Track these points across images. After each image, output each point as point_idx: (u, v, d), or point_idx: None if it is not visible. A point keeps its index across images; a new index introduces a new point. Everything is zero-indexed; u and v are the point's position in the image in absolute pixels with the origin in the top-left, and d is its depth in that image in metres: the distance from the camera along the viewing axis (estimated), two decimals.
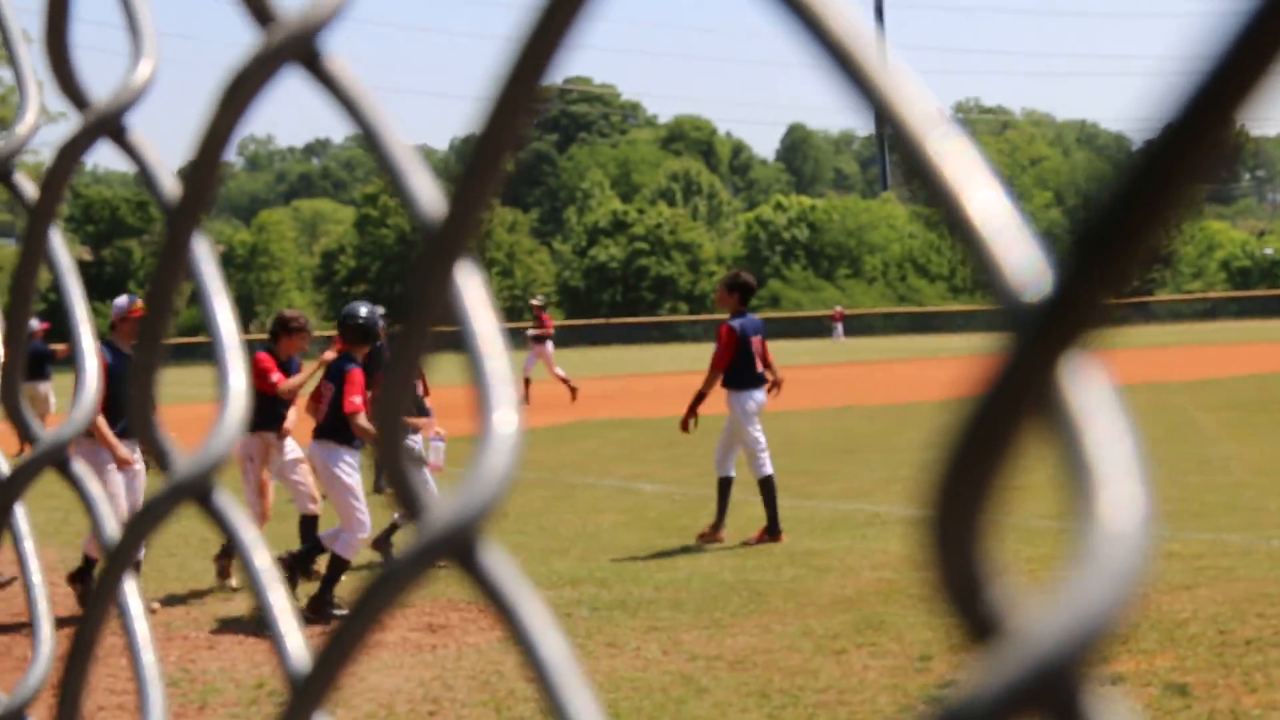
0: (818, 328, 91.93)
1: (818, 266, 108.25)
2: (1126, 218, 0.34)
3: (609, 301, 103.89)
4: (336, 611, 10.83)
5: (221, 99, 0.77)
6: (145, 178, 0.93)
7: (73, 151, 0.96)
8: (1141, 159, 0.34)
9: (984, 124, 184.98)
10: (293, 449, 12.54)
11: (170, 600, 11.60)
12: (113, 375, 10.51)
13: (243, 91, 0.76)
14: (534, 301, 36.01)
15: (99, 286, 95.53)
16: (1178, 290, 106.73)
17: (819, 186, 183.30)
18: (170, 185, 0.91)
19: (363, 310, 12.03)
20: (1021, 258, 0.38)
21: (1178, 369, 38.42)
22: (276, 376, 12.34)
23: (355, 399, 11.35)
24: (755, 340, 14.16)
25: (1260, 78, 0.33)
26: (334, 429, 11.56)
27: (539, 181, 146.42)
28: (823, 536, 13.53)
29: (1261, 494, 15.14)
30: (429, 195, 0.66)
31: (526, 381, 33.12)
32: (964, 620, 0.36)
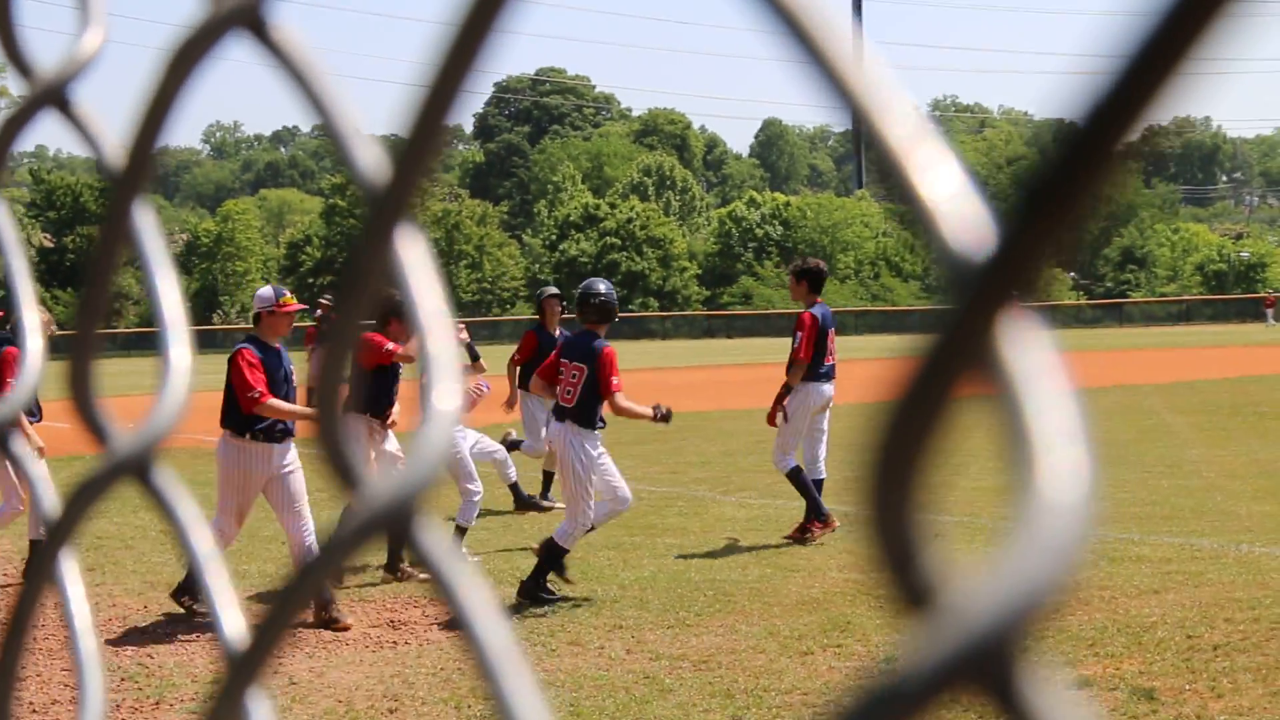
0: (788, 325, 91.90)
1: (790, 263, 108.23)
2: (1061, 182, 0.33)
3: (578, 299, 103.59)
4: (548, 595, 10.81)
5: (167, 65, 0.76)
6: (90, 148, 0.91)
7: (17, 121, 0.95)
8: (1074, 129, 0.33)
9: (961, 122, 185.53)
10: (393, 443, 12.20)
11: (127, 593, 11.54)
12: (266, 371, 10.60)
13: (188, 57, 0.75)
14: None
15: (60, 274, 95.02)
16: (1152, 293, 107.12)
17: (793, 183, 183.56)
18: (115, 156, 0.89)
19: (602, 286, 11.83)
20: (963, 217, 0.37)
21: (1151, 371, 38.57)
22: (391, 345, 11.96)
23: (615, 379, 11.12)
24: (830, 332, 13.62)
25: (1176, 64, 0.32)
26: (582, 412, 11.20)
27: (510, 174, 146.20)
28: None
29: (1232, 498, 15.19)
30: (373, 162, 0.64)
31: None
32: (898, 591, 0.35)
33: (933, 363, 0.34)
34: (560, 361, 11.54)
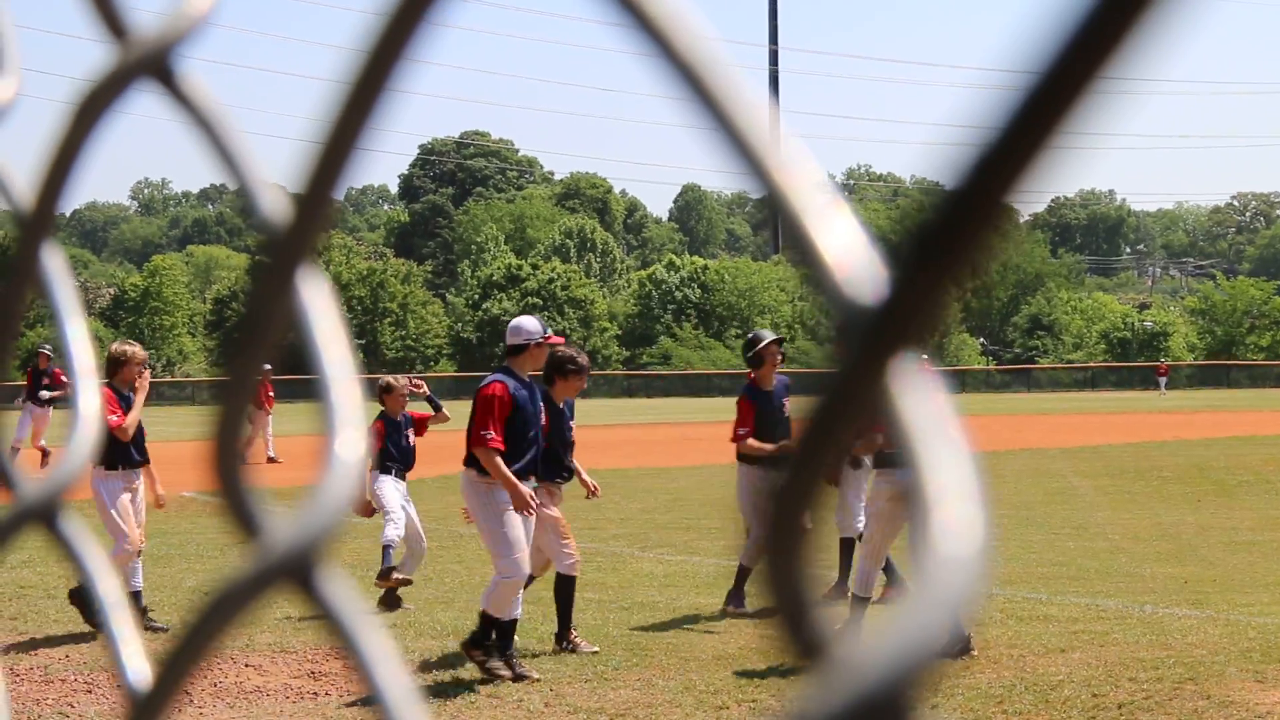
0: (707, 386, 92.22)
1: (709, 326, 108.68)
2: (950, 233, 0.33)
3: (501, 354, 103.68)
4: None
5: (75, 112, 0.75)
6: (1, 194, 0.91)
7: None
8: (964, 179, 0.34)
9: (874, 190, 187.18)
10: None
11: (50, 642, 11.36)
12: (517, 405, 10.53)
13: (96, 105, 0.74)
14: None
15: None
16: (1059, 359, 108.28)
17: (711, 247, 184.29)
18: (25, 202, 0.89)
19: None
20: (857, 268, 0.37)
21: (1058, 436, 38.93)
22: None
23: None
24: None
25: (1057, 120, 0.33)
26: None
27: (434, 234, 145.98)
28: (707, 593, 13.52)
29: (1136, 560, 15.37)
30: (274, 207, 0.64)
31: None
32: (793, 643, 0.35)
33: (825, 413, 0.34)
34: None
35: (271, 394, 33.83)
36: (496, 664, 10.02)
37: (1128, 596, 12.91)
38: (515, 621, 10.31)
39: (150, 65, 0.72)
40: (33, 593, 13.52)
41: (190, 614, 0.59)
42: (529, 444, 10.59)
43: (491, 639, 10.20)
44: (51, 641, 11.40)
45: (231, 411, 0.60)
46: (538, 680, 9.89)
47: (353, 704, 9.30)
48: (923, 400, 0.35)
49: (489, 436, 10.31)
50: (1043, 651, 10.43)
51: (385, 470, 13.56)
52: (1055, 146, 0.34)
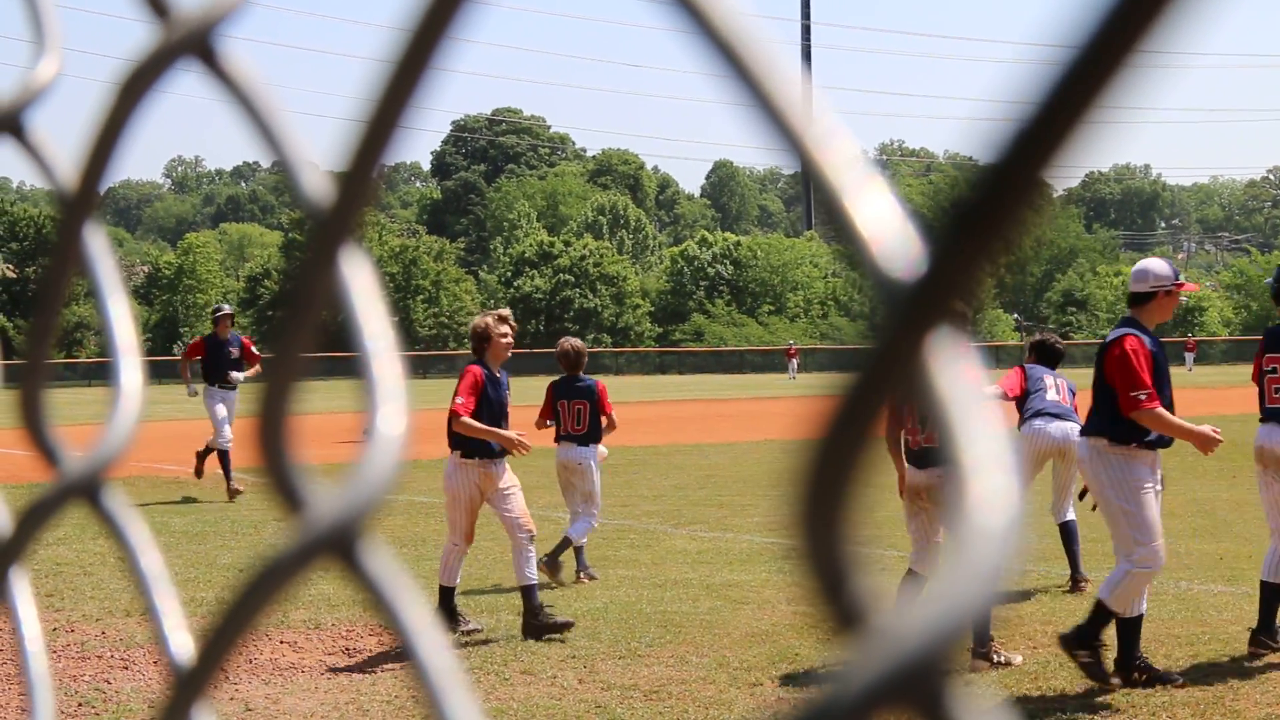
0: (739, 362, 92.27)
1: (741, 302, 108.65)
2: (988, 207, 0.34)
3: (533, 332, 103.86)
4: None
5: (118, 91, 0.76)
6: (44, 173, 0.92)
7: None
8: (1001, 156, 0.34)
9: (907, 165, 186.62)
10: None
11: (86, 619, 11.44)
12: None
13: (139, 84, 0.75)
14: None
15: (22, 304, 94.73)
16: (1094, 335, 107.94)
17: (744, 224, 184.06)
18: (68, 181, 0.90)
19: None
20: (894, 241, 0.38)
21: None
22: None
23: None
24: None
25: (1095, 96, 0.34)
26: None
27: (467, 211, 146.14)
28: (740, 569, 13.54)
29: (1171, 536, 15.24)
30: (317, 186, 0.65)
31: None
32: (830, 613, 0.36)
33: (863, 386, 0.35)
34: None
35: None
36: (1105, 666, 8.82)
37: (1163, 573, 12.83)
38: (1139, 620, 9.08)
39: (193, 44, 0.73)
40: (69, 570, 13.62)
41: (234, 587, 0.60)
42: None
43: (1100, 637, 8.90)
44: (88, 619, 11.48)
45: (277, 387, 0.61)
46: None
47: (391, 674, 9.36)
48: (958, 375, 0.36)
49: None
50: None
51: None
52: (1092, 121, 0.35)
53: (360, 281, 0.61)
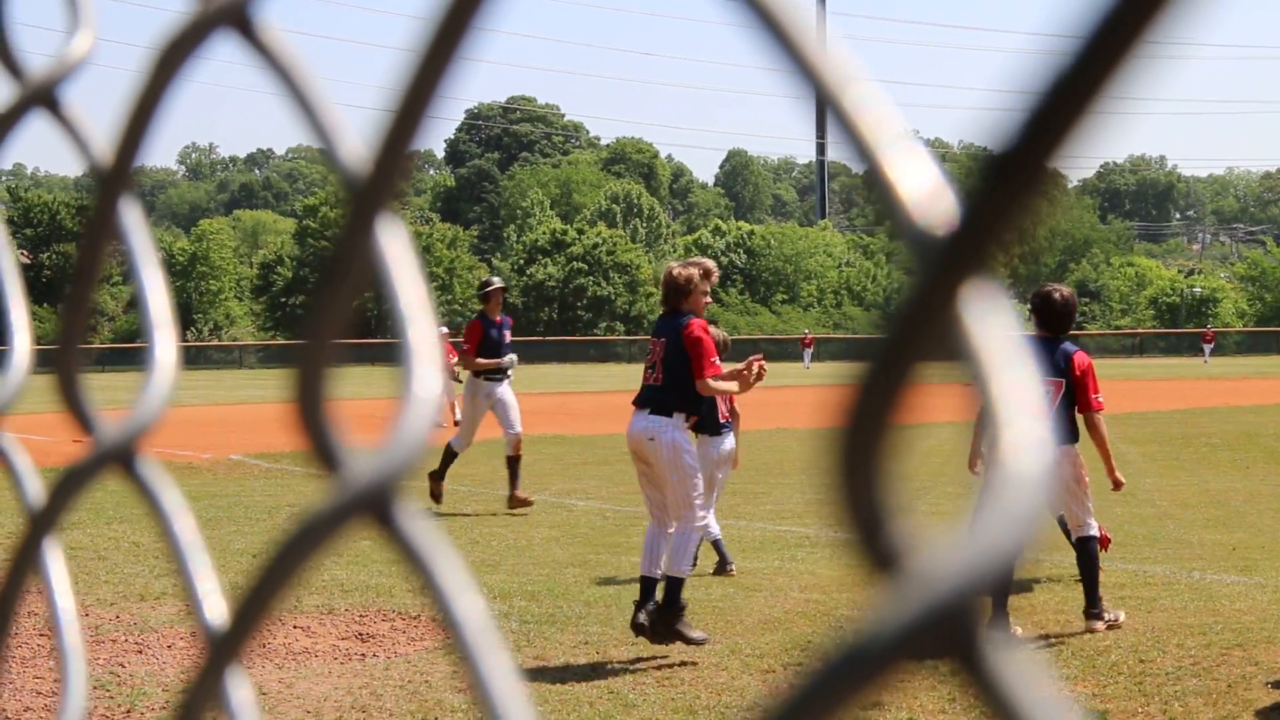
0: (753, 351, 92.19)
1: (754, 291, 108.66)
2: (1020, 163, 0.35)
3: (546, 320, 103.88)
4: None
5: (154, 63, 0.77)
6: (78, 148, 0.93)
7: (7, 120, 0.96)
8: (1028, 119, 0.35)
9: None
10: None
11: (100, 604, 11.48)
12: None
13: (175, 56, 0.76)
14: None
15: (37, 290, 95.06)
16: (1108, 326, 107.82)
17: (757, 213, 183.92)
18: (103, 156, 0.91)
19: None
20: (927, 195, 0.39)
21: (1106, 402, 38.71)
22: None
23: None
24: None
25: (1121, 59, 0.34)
26: None
27: (480, 199, 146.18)
28: (752, 556, 13.55)
29: (1184, 526, 15.31)
30: (355, 157, 0.66)
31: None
32: (867, 555, 0.37)
33: (899, 334, 0.36)
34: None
35: (454, 359, 32.00)
36: None
37: (1175, 563, 12.88)
38: None
39: (230, 15, 0.74)
40: (83, 554, 13.66)
41: (269, 549, 0.61)
42: None
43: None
44: (102, 603, 11.52)
45: (313, 353, 0.62)
46: None
47: (404, 659, 9.39)
48: (993, 325, 0.37)
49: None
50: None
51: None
52: (1124, 75, 0.35)
53: (396, 249, 0.62)
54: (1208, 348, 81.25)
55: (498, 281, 17.89)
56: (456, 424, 31.44)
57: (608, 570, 12.95)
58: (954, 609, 0.35)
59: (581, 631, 10.30)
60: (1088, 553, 10.39)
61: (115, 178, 0.84)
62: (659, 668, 9.27)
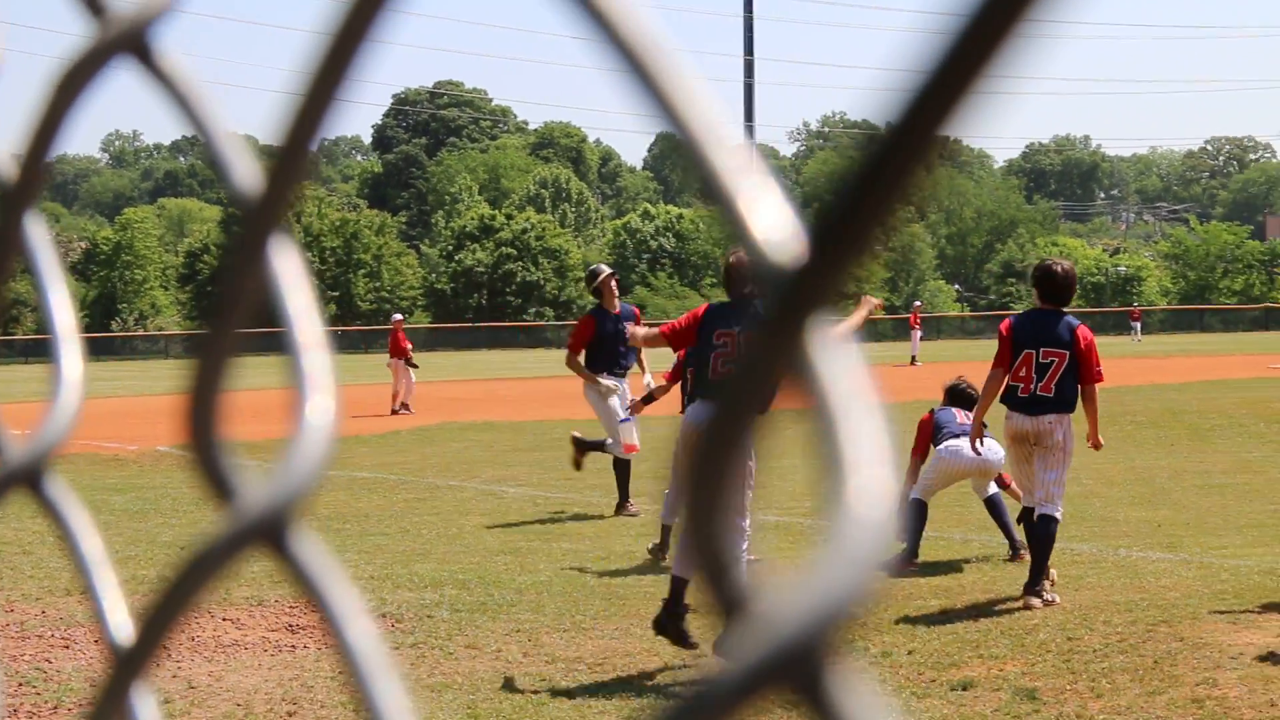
0: None
1: (683, 275, 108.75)
2: (866, 192, 0.36)
3: (475, 305, 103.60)
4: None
5: (54, 89, 0.78)
6: None
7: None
8: (878, 141, 0.37)
9: (849, 138, 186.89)
10: None
11: (25, 599, 11.38)
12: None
13: (75, 82, 0.77)
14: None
15: None
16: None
17: (686, 196, 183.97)
18: (7, 168, 0.91)
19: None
20: (774, 224, 0.41)
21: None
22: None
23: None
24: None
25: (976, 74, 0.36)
26: None
27: (408, 185, 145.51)
28: None
29: (1110, 504, 15.49)
30: (248, 177, 0.67)
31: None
32: (714, 599, 0.38)
33: (746, 376, 0.37)
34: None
35: (410, 346, 32.40)
36: None
37: (1102, 541, 13.03)
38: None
39: (128, 42, 0.75)
40: (8, 549, 13.54)
41: (168, 573, 0.62)
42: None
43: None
44: (27, 598, 11.42)
45: (207, 374, 0.63)
46: None
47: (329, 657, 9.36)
48: (839, 363, 0.39)
49: None
50: (1018, 596, 10.53)
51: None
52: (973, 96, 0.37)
53: (289, 273, 0.63)
54: (1137, 325, 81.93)
55: (606, 269, 15.82)
56: (404, 407, 31.37)
57: (539, 557, 12.97)
58: (800, 651, 0.37)
59: (513, 619, 10.31)
60: (1047, 533, 10.57)
61: (20, 194, 0.85)
62: (591, 654, 9.30)
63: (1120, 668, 8.56)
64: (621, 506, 15.68)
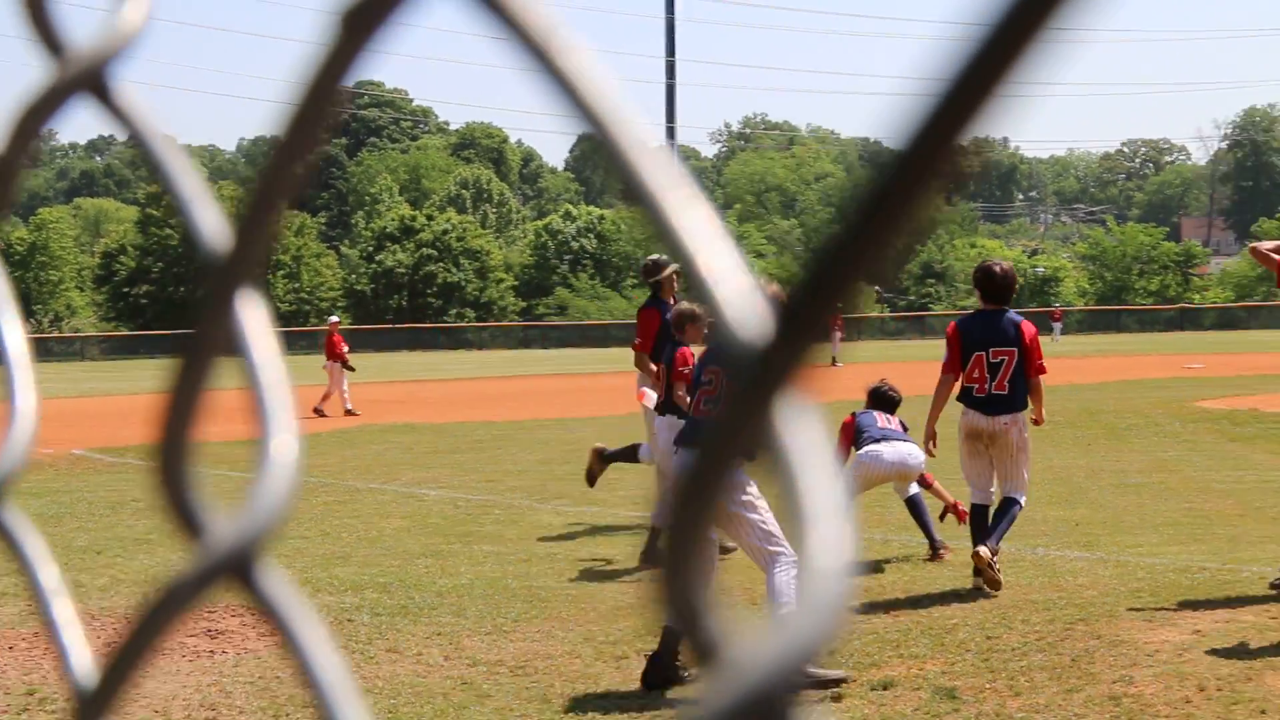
0: (603, 336, 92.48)
1: (605, 276, 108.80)
2: (832, 272, 0.39)
3: (395, 307, 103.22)
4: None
5: (13, 129, 0.79)
6: None
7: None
8: (850, 213, 0.39)
9: (770, 139, 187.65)
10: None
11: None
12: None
13: (34, 122, 0.78)
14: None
15: None
16: (953, 306, 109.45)
17: (608, 197, 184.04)
18: None
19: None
20: (742, 303, 0.43)
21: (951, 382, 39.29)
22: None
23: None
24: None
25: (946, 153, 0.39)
26: None
27: (328, 185, 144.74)
28: (605, 543, 13.63)
29: (1028, 504, 15.58)
30: (214, 226, 0.69)
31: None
32: (691, 645, 0.41)
33: (714, 443, 0.40)
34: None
35: (346, 348, 31.97)
36: None
37: (1020, 540, 13.15)
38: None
39: (86, 81, 0.76)
40: None
41: (136, 611, 0.64)
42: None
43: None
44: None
45: (177, 417, 0.65)
46: None
47: (254, 655, 9.32)
48: (802, 433, 0.41)
49: None
50: (938, 595, 10.63)
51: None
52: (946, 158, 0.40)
53: (255, 321, 0.65)
54: (1058, 326, 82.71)
55: (668, 260, 14.13)
56: (349, 413, 31.07)
57: (460, 560, 12.96)
58: (766, 697, 0.39)
59: (434, 622, 10.30)
60: (1010, 513, 11.13)
61: None
62: (513, 656, 9.30)
63: (1038, 666, 8.66)
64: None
